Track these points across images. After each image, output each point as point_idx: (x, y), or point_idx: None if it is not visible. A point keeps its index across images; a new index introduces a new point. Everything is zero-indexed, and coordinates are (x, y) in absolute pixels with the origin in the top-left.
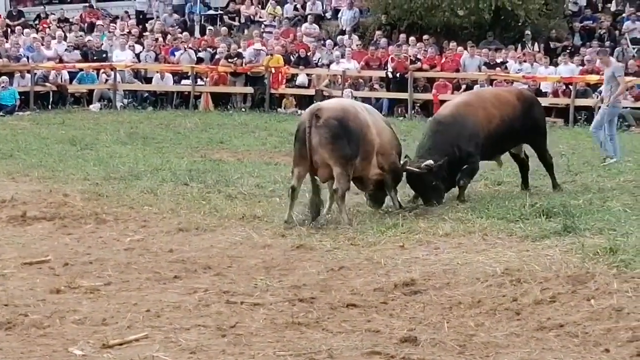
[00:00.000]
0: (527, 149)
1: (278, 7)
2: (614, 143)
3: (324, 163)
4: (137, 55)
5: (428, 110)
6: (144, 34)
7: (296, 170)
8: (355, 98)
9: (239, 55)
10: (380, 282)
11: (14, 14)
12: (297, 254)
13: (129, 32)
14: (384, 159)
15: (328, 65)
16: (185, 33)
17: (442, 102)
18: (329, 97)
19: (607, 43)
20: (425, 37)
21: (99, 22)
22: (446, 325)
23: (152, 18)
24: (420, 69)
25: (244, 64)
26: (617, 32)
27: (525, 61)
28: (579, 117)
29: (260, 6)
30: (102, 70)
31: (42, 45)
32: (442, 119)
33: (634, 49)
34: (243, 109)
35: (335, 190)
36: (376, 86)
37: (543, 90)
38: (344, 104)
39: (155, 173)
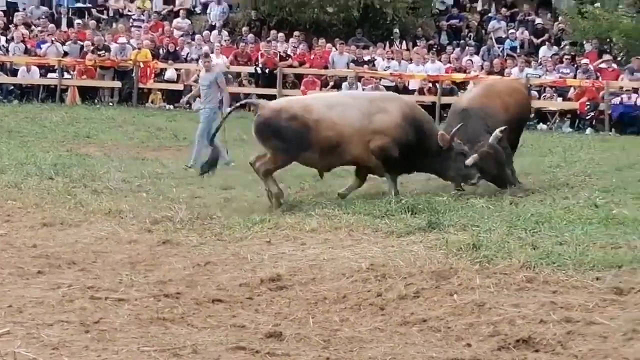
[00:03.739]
0: None
1: (147, 0)
2: (199, 149)
3: None
4: (3, 48)
5: None
6: (10, 26)
7: None
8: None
9: (107, 49)
10: (246, 278)
11: None
12: (163, 250)
13: None
14: None
15: (197, 60)
16: (52, 25)
17: None
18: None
19: (473, 42)
20: (295, 33)
21: None
22: (311, 321)
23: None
24: (290, 66)
25: (112, 58)
26: (483, 32)
27: (393, 59)
28: (445, 115)
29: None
30: None
31: None
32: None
33: (499, 48)
34: (110, 103)
35: None
36: (245, 82)
37: (410, 88)
38: None
39: (20, 167)
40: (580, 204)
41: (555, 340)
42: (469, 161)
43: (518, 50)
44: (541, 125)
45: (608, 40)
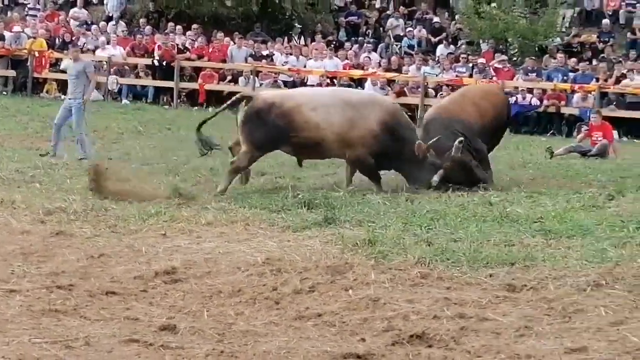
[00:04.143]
0: None
1: None
2: (82, 140)
3: None
4: None
5: (194, 100)
6: None
7: None
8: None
9: (1, 37)
10: (141, 270)
11: None
12: (56, 241)
13: None
14: None
15: (93, 51)
16: None
17: (208, 91)
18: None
19: (371, 39)
20: (193, 26)
21: None
22: (206, 314)
23: None
24: (188, 59)
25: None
26: (381, 29)
27: (291, 54)
28: None
29: None
30: None
31: None
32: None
33: (396, 45)
34: (4, 92)
35: None
36: (142, 74)
37: (308, 84)
38: None
39: None
40: (475, 201)
41: (448, 336)
42: (434, 179)
43: (415, 49)
44: None
45: (504, 40)
